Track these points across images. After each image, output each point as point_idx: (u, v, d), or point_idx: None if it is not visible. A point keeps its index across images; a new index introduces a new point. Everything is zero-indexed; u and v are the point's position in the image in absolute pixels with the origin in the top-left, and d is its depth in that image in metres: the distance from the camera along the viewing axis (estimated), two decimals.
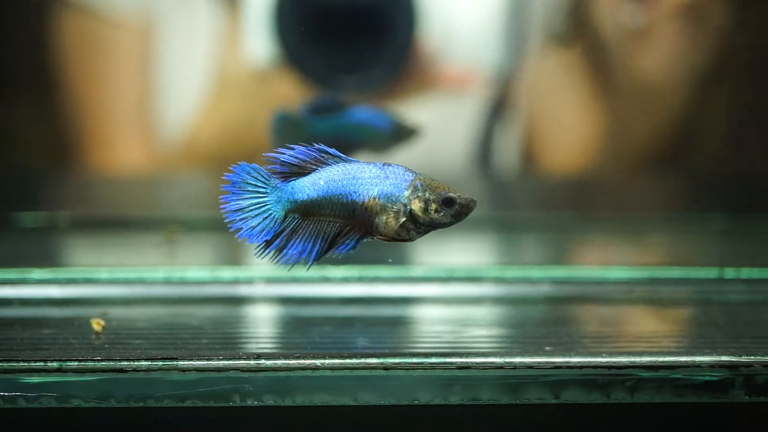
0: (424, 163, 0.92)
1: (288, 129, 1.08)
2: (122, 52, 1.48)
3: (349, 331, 0.86)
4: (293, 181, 0.74)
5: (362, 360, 0.72)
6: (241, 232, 0.73)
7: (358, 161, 0.75)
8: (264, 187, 0.74)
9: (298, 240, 0.74)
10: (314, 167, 0.74)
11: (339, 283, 0.93)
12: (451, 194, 0.73)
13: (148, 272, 0.92)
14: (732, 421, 0.77)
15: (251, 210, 0.74)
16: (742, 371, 0.74)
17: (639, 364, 0.73)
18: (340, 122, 1.07)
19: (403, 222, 0.74)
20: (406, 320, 0.88)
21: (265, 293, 0.92)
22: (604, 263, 1.08)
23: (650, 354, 0.74)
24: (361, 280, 0.93)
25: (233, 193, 0.73)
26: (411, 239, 0.75)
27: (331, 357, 0.72)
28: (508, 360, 0.72)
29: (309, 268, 0.74)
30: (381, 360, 0.72)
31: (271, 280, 0.93)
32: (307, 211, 0.74)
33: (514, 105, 1.44)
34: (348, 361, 0.72)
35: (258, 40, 1.32)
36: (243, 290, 0.92)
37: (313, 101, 1.10)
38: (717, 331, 0.84)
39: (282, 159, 0.74)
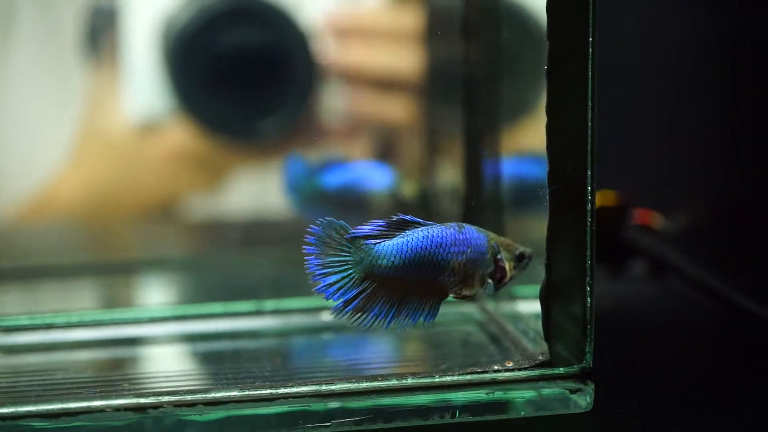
0: None
1: (300, 175, 1.12)
2: None
3: None
4: (378, 245, 0.76)
5: None
6: (319, 286, 0.76)
7: (435, 224, 0.78)
8: (348, 246, 0.76)
9: (376, 304, 0.77)
10: (397, 233, 0.77)
11: None
12: (521, 249, 0.81)
13: None
14: None
15: (332, 267, 0.76)
16: (152, 413, 0.77)
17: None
18: (347, 181, 1.13)
19: (487, 283, 0.79)
20: None
21: None
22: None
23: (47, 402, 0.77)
24: None
25: (316, 246, 0.76)
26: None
27: None
28: None
29: (386, 328, 0.78)
30: None
31: None
32: (388, 275, 0.77)
33: None
34: None
35: (140, 95, 1.31)
36: None
37: (323, 158, 1.16)
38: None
39: (364, 233, 0.77)
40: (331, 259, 0.76)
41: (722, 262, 1.18)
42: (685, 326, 1.10)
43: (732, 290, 1.11)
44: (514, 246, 0.81)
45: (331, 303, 0.77)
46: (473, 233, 0.79)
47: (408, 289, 0.78)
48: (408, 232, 0.77)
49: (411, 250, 0.76)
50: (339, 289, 0.76)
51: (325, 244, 0.76)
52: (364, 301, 0.77)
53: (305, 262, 0.76)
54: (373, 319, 0.77)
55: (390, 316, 0.78)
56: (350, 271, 0.76)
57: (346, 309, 0.76)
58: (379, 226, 0.77)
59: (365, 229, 0.77)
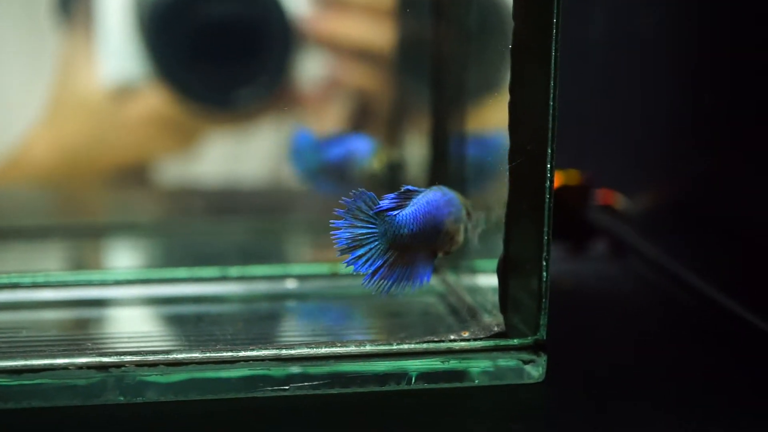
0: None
1: (307, 147, 1.14)
2: None
3: None
4: (397, 215, 0.79)
5: None
6: (348, 259, 0.79)
7: (427, 190, 0.82)
8: (375, 219, 0.79)
9: (395, 270, 0.80)
10: (406, 202, 0.80)
11: None
12: (469, 202, 0.85)
13: None
14: None
15: (360, 239, 0.79)
16: (114, 372, 0.79)
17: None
18: (346, 153, 1.14)
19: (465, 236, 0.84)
20: None
21: None
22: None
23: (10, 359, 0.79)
24: None
25: (345, 219, 0.79)
26: None
27: None
28: None
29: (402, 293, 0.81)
30: None
31: None
32: (406, 242, 0.80)
33: None
34: None
35: (114, 60, 1.30)
36: None
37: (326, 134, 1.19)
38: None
39: (387, 206, 0.80)
40: (360, 231, 0.79)
41: (681, 244, 1.20)
42: (641, 305, 1.12)
43: (689, 272, 1.14)
44: (465, 199, 0.85)
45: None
46: (450, 193, 0.83)
47: (415, 253, 0.81)
48: (412, 201, 0.80)
49: (423, 216, 0.80)
50: (367, 261, 0.79)
51: (355, 216, 0.79)
52: (387, 270, 0.80)
53: (333, 235, 0.79)
54: (393, 285, 0.80)
55: (404, 280, 0.81)
56: (376, 243, 0.79)
57: (374, 278, 0.80)
58: (392, 199, 0.80)
59: (385, 202, 0.80)
